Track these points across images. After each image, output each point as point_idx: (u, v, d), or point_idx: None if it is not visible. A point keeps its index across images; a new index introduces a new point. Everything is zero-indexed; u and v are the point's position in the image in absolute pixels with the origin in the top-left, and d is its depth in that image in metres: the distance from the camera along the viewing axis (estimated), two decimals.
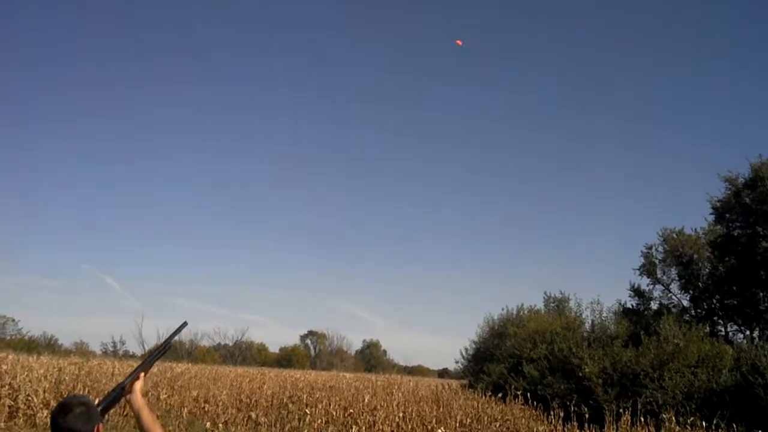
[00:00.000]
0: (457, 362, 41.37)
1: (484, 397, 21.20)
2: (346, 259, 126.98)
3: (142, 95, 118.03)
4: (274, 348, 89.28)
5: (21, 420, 15.18)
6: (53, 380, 17.51)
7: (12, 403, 15.55)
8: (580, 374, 22.37)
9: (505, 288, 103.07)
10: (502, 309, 36.58)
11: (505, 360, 27.87)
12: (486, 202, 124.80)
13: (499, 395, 21.48)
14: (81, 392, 16.81)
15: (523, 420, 17.84)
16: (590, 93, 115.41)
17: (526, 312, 34.05)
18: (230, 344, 79.01)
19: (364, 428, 14.78)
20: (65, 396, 15.58)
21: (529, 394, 21.25)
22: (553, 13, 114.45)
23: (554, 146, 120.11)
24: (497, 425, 16.39)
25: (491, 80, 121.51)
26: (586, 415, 18.09)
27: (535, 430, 16.14)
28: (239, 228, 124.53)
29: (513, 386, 22.63)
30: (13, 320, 60.22)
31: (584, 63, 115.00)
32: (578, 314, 29.88)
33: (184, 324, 4.12)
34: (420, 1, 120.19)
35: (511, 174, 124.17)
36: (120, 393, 3.53)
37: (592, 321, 27.68)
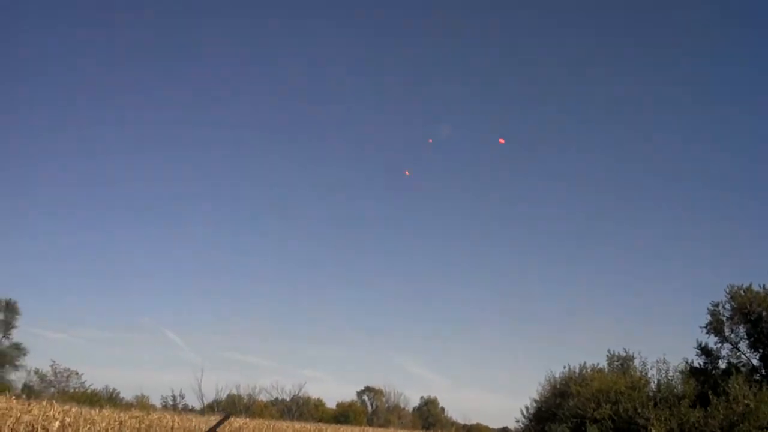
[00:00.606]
0: (517, 421, 40.25)
1: None
2: (403, 315, 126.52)
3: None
4: (331, 403, 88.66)
5: None
6: None
7: None
8: None
9: (566, 346, 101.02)
10: (564, 367, 35.60)
11: (567, 420, 27.14)
12: (546, 260, 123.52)
13: None
14: None
15: None
16: (655, 154, 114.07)
17: (588, 370, 33.15)
18: (287, 399, 78.84)
19: None
20: None
21: None
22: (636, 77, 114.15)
23: (618, 203, 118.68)
24: None
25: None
26: None
27: None
28: (296, 283, 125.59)
29: None
30: (77, 373, 61.01)
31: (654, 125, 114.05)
32: (643, 373, 29.02)
33: (228, 415, 4.48)
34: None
35: (572, 230, 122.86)
36: None
37: (658, 380, 26.87)
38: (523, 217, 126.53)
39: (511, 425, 58.94)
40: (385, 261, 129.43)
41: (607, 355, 33.75)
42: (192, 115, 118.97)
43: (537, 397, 36.91)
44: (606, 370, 32.68)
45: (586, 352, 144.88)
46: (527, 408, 37.63)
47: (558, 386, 34.00)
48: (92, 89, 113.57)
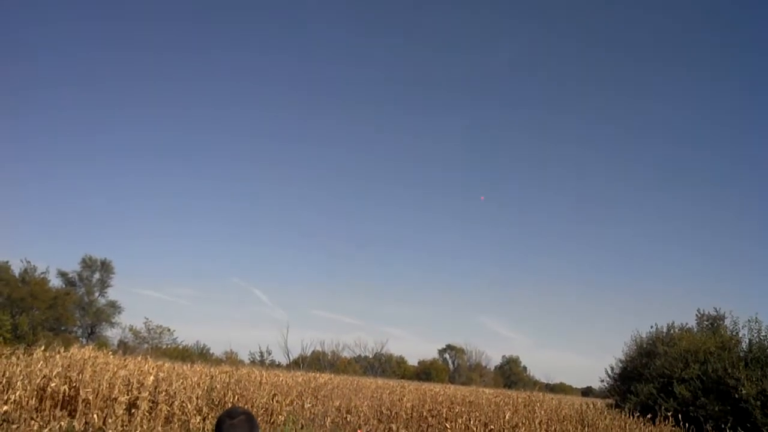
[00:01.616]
0: (602, 381, 39.72)
1: (631, 418, 20.34)
2: (485, 274, 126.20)
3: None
4: (412, 361, 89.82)
5: (176, 425, 15.95)
6: (206, 387, 18.33)
7: (168, 408, 16.38)
8: (737, 396, 21.08)
9: (652, 306, 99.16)
10: (651, 327, 34.80)
11: (654, 380, 26.63)
12: (633, 216, 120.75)
13: (648, 416, 20.53)
14: (231, 399, 17.57)
15: None
16: None
17: (677, 330, 32.31)
18: (370, 356, 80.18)
19: None
20: (216, 403, 16.26)
21: (680, 416, 20.22)
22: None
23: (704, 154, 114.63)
24: None
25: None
26: None
27: None
28: (377, 245, 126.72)
29: (663, 407, 21.60)
30: (169, 330, 63.39)
31: None
32: (734, 333, 28.10)
33: None
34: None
35: (662, 187, 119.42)
36: None
37: (750, 340, 25.96)
38: (608, 172, 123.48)
39: (595, 385, 58.46)
40: (466, 221, 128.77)
41: (696, 315, 32.87)
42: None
43: (622, 357, 36.32)
44: (695, 329, 31.83)
45: (673, 312, 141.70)
46: (612, 368, 37.11)
47: (644, 346, 33.28)
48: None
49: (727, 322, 30.23)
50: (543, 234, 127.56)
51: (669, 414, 20.28)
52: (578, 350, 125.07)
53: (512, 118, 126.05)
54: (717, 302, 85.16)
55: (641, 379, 28.32)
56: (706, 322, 32.05)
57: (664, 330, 33.02)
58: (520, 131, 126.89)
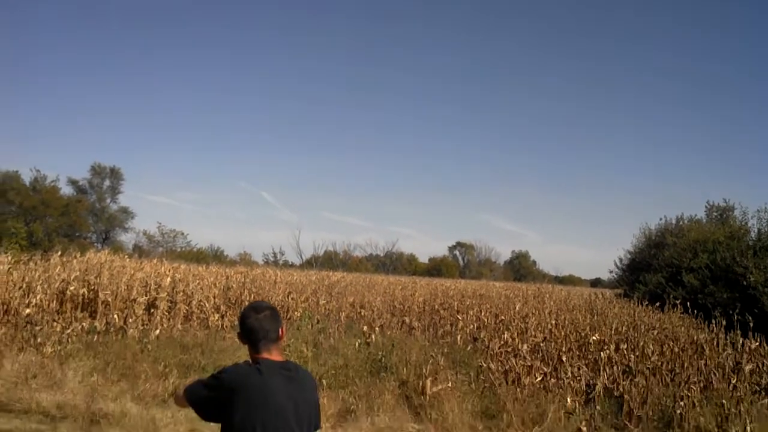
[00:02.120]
0: (611, 272, 40.16)
1: (640, 306, 20.67)
2: (494, 171, 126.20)
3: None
4: (423, 258, 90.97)
5: (195, 323, 16.37)
6: (222, 287, 18.68)
7: (186, 307, 16.76)
8: (745, 283, 21.33)
9: (661, 199, 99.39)
10: (660, 219, 34.96)
11: (662, 269, 26.89)
12: (642, 110, 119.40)
13: (657, 304, 20.84)
14: (247, 297, 17.93)
15: (683, 328, 17.18)
16: None
17: (686, 222, 32.40)
18: (381, 255, 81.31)
19: (515, 334, 14.78)
20: (233, 302, 16.58)
21: (688, 303, 20.52)
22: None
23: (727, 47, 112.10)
24: (655, 333, 15.83)
25: None
26: (751, 324, 17.29)
27: (695, 337, 15.50)
28: (385, 144, 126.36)
29: (672, 296, 21.90)
30: (182, 234, 63.97)
31: None
32: (743, 223, 28.11)
33: None
34: None
35: (671, 78, 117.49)
36: None
37: (759, 230, 26.00)
38: (617, 63, 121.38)
39: (604, 277, 59.23)
40: (475, 118, 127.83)
41: (706, 206, 32.77)
42: None
43: (631, 249, 36.65)
44: (704, 221, 31.88)
45: (682, 204, 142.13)
46: (621, 259, 37.48)
47: (653, 237, 33.44)
48: None
49: (737, 212, 30.23)
50: (550, 129, 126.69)
51: (677, 302, 20.54)
52: (587, 244, 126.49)
53: (519, 21, 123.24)
54: (727, 195, 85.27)
55: (650, 269, 28.63)
56: (716, 213, 32.05)
57: (673, 222, 33.14)
58: (526, 34, 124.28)
